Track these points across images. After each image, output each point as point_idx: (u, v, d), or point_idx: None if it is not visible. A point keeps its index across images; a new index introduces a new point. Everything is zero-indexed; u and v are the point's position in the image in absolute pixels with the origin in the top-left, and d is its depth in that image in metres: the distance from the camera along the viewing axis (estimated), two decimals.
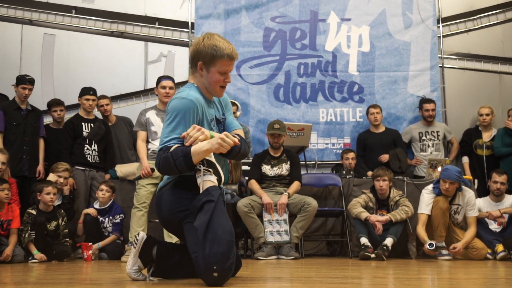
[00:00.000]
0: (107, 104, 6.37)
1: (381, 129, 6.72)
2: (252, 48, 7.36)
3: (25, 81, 5.73)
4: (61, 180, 5.36)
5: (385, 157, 6.39)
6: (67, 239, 5.13)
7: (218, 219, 2.41)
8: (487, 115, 6.62)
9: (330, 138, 7.21)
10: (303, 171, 5.93)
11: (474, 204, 5.29)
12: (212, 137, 2.55)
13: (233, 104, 6.29)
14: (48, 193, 4.98)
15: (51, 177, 5.36)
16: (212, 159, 2.56)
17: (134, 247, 2.71)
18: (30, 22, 7.48)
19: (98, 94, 6.12)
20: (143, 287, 2.50)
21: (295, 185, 5.47)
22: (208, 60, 2.67)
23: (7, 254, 4.64)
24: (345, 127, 7.21)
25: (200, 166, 2.51)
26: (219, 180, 2.56)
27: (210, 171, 2.51)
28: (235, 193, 5.56)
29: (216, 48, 2.65)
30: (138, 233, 2.72)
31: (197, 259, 2.41)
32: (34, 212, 4.99)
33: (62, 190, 5.39)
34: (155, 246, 2.70)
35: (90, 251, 5.05)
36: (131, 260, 2.72)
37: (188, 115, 2.61)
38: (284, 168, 5.55)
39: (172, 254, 2.70)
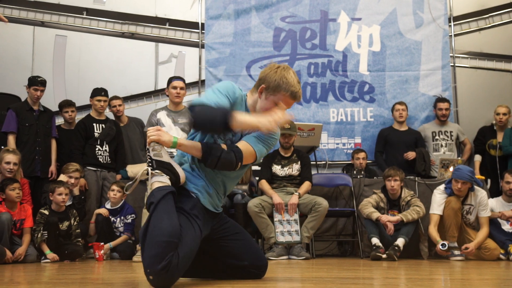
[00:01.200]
0: (119, 105, 6.40)
1: (404, 127, 6.70)
2: (262, 48, 7.36)
3: (37, 83, 5.77)
4: (72, 180, 5.39)
5: (412, 154, 6.34)
6: (79, 239, 5.16)
7: (155, 221, 2.34)
8: (504, 114, 6.53)
9: (340, 138, 7.19)
10: (313, 171, 5.92)
11: (487, 204, 5.25)
12: (174, 142, 2.47)
13: None
14: (60, 194, 5.01)
15: (62, 177, 5.39)
16: (165, 158, 2.48)
17: None
18: (42, 24, 7.54)
19: (109, 95, 6.16)
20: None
21: (306, 185, 5.46)
22: (272, 87, 2.63)
23: (19, 254, 4.68)
24: (355, 127, 7.18)
25: (147, 170, 2.46)
26: (175, 178, 2.48)
27: (158, 173, 2.44)
28: (245, 193, 5.56)
29: (285, 80, 2.63)
30: None
31: None
32: (46, 212, 5.02)
33: (72, 191, 5.42)
34: None
35: (102, 251, 5.07)
36: None
37: (227, 92, 2.57)
38: (295, 168, 5.54)
39: None
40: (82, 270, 3.82)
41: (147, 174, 2.46)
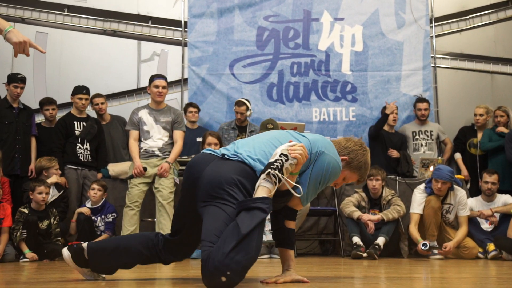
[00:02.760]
0: (102, 103, 6.36)
1: (392, 130, 6.72)
2: (245, 47, 7.35)
3: (16, 80, 5.70)
4: (59, 171, 5.44)
5: (396, 153, 6.38)
6: (59, 238, 5.11)
7: (259, 234, 2.33)
8: (481, 115, 6.56)
9: None
10: None
11: (466, 204, 5.32)
12: (297, 173, 2.49)
13: (243, 104, 6.29)
14: (40, 193, 4.96)
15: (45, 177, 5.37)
16: (286, 176, 2.41)
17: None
18: (23, 20, 7.44)
19: (91, 93, 6.10)
20: (135, 286, 2.50)
21: None
22: (354, 165, 2.75)
23: None
24: (338, 127, 7.22)
25: (275, 173, 2.36)
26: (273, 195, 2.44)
27: (277, 184, 2.37)
28: None
29: (366, 167, 2.79)
30: (63, 251, 2.66)
31: (211, 253, 2.24)
32: (26, 211, 4.97)
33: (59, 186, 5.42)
34: (84, 251, 2.64)
35: None
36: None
37: (328, 183, 2.66)
38: None
39: (104, 250, 2.67)
40: (61, 270, 3.79)
41: (268, 174, 2.37)
